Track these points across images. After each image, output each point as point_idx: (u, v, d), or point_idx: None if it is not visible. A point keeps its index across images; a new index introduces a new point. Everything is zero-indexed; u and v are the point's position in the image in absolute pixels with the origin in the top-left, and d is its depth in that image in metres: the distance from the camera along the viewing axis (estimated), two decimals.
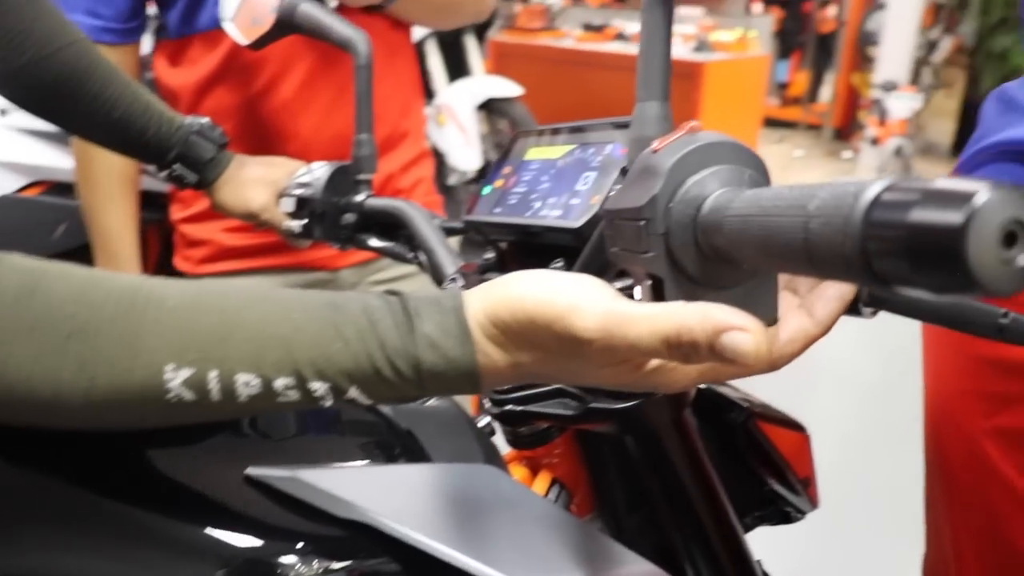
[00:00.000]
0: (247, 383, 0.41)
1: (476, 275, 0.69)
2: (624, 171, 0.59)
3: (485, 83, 4.26)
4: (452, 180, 4.40)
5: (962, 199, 0.24)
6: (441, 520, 0.47)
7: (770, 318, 0.42)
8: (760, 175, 0.41)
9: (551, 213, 0.64)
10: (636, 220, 0.41)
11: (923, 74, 6.65)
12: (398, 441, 0.56)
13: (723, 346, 0.36)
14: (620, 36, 6.39)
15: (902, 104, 5.64)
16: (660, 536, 0.65)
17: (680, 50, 5.98)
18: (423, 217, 0.77)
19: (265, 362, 0.41)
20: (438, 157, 4.45)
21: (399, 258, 0.81)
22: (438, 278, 0.73)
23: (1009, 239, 0.25)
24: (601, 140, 0.65)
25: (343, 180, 0.85)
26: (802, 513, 0.76)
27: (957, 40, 6.76)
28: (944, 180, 0.26)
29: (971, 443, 0.65)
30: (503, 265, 0.71)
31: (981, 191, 0.24)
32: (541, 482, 0.67)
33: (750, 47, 6.22)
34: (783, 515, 0.75)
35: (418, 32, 4.04)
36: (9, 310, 0.38)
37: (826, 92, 8.06)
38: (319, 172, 0.85)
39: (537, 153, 0.72)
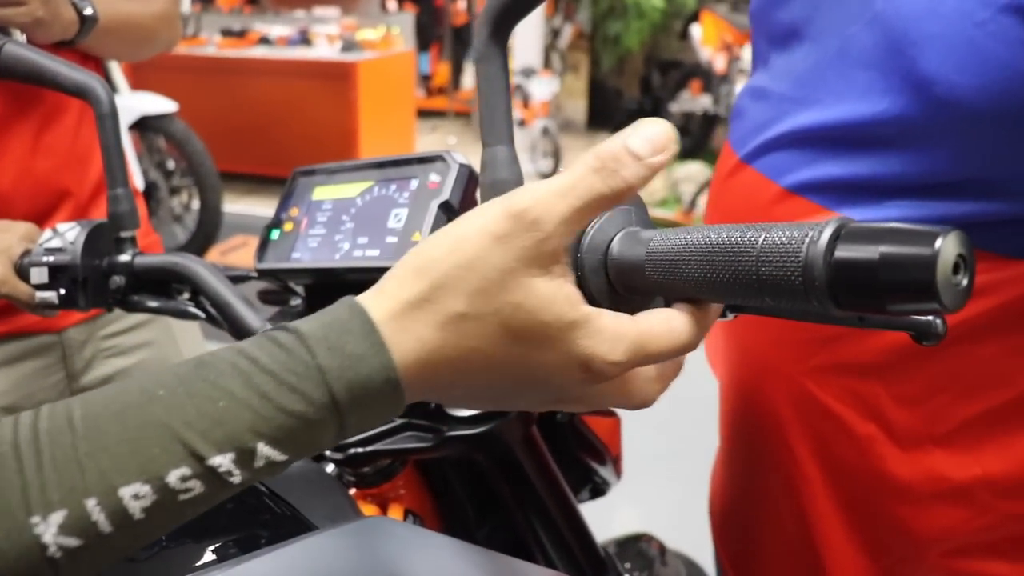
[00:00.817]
0: (136, 495, 0.34)
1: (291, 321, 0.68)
2: (445, 206, 0.62)
3: (135, 100, 3.97)
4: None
5: (929, 238, 0.31)
6: None
7: None
8: (642, 211, 0.46)
9: (368, 253, 0.65)
10: None
11: (552, 59, 7.27)
12: (278, 516, 0.54)
13: None
14: (264, 40, 6.23)
15: (542, 88, 6.11)
16: (510, 538, 0.70)
17: (328, 51, 5.98)
18: (207, 270, 0.73)
19: (147, 461, 0.34)
20: None
21: (185, 316, 0.76)
22: (242, 332, 0.69)
23: (956, 268, 0.32)
24: (400, 176, 0.66)
25: (102, 240, 0.77)
26: (609, 486, 0.84)
27: (576, 27, 7.46)
28: (897, 224, 0.33)
29: (790, 384, 0.69)
30: (311, 309, 0.70)
31: (941, 233, 0.31)
32: (394, 515, 0.68)
33: (395, 43, 6.38)
34: (597, 490, 0.83)
35: None
36: None
37: (468, 80, 8.49)
38: (71, 235, 0.77)
39: (327, 193, 0.71)
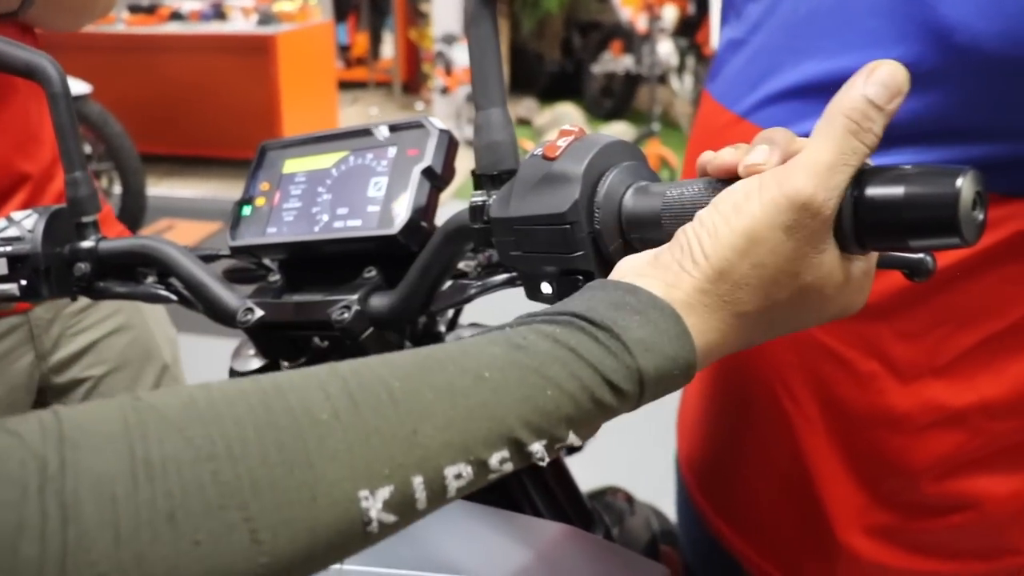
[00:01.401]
0: (458, 475, 0.34)
1: (272, 300, 0.66)
2: (428, 172, 0.61)
3: None
4: None
5: (950, 177, 0.34)
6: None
7: None
8: (643, 166, 0.47)
9: (349, 223, 0.64)
10: (559, 225, 0.45)
11: None
12: None
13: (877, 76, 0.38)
14: (176, 15, 6.03)
15: (465, 54, 6.07)
16: (501, 495, 0.71)
17: (244, 25, 5.83)
18: (178, 251, 0.72)
19: (473, 443, 0.34)
20: None
21: (157, 300, 0.74)
22: (220, 313, 0.68)
23: (974, 204, 0.34)
24: (377, 145, 0.66)
25: (62, 227, 0.75)
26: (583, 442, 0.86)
27: None
28: (916, 165, 0.34)
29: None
30: (290, 283, 0.69)
31: (960, 172, 0.34)
32: None
33: (312, 15, 6.25)
34: (573, 447, 0.84)
35: None
36: (125, 494, 0.28)
37: (387, 50, 8.37)
38: (29, 222, 0.74)
39: (299, 165, 0.70)
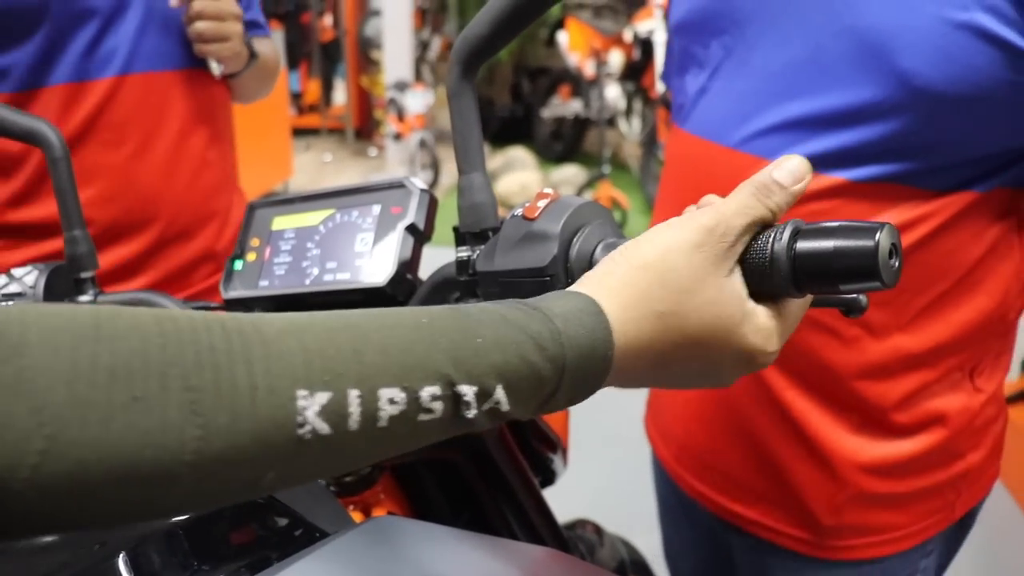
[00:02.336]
0: (392, 399, 0.36)
1: None
2: (411, 229, 0.67)
3: None
4: None
5: (870, 232, 0.41)
6: None
7: None
8: (611, 224, 0.53)
9: (339, 276, 0.69)
10: (540, 277, 0.51)
11: (424, 71, 7.32)
12: (292, 523, 0.58)
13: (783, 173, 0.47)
14: None
15: (417, 101, 6.15)
16: (485, 529, 0.75)
17: None
18: (174, 304, 0.76)
19: (409, 371, 0.37)
20: None
21: None
22: None
23: (891, 254, 0.41)
24: (361, 203, 0.71)
25: (61, 282, 0.78)
26: (557, 475, 0.91)
27: (445, 39, 7.54)
28: (842, 222, 0.41)
29: None
30: None
31: (878, 227, 0.40)
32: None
33: None
34: (547, 479, 0.89)
35: None
36: (84, 367, 0.30)
37: (339, 96, 8.43)
38: (30, 279, 0.77)
39: (287, 222, 0.74)
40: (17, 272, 0.78)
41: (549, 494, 0.82)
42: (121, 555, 0.49)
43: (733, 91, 0.87)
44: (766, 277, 0.44)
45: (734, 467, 1.00)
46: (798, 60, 0.80)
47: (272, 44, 1.44)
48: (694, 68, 0.93)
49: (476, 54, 0.57)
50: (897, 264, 0.42)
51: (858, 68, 0.75)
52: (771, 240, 0.44)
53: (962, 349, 0.86)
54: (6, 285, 0.78)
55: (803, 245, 0.43)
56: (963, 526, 1.01)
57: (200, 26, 1.18)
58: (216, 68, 1.24)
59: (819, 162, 0.79)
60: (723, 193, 0.49)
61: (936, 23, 0.71)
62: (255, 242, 0.75)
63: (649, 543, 1.45)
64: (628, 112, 6.52)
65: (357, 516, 0.70)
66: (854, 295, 0.55)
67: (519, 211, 0.54)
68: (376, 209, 0.69)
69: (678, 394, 1.08)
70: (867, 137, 0.77)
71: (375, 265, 0.67)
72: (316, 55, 8.41)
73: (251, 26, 1.35)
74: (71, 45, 1.12)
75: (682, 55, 0.97)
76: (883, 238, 0.41)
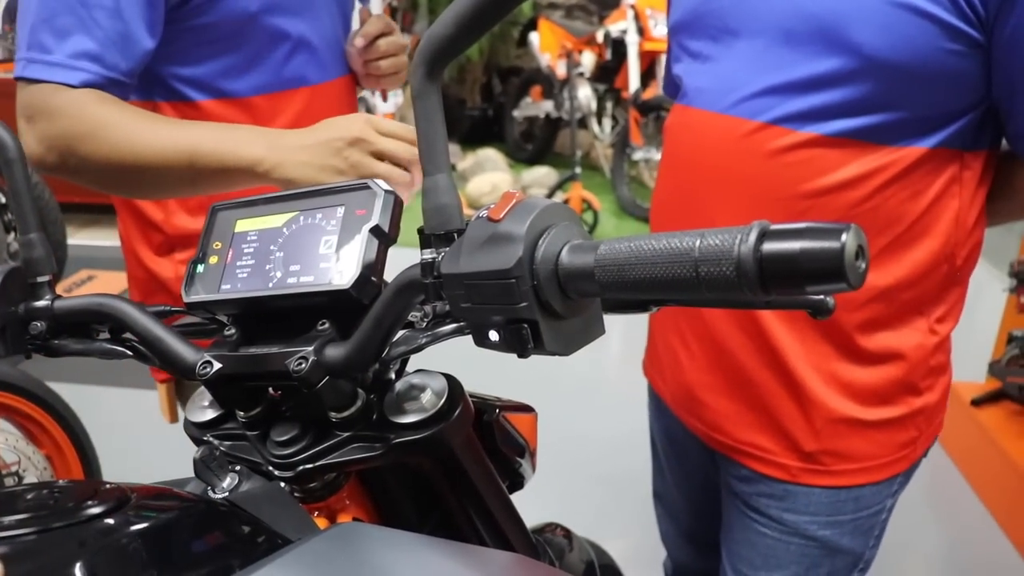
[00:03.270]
0: None
1: (229, 352, 0.69)
2: (376, 231, 0.66)
3: None
4: None
5: (836, 233, 0.41)
6: None
7: (602, 331, 0.56)
8: (577, 225, 0.53)
9: (302, 279, 0.68)
10: (505, 279, 0.50)
11: None
12: (255, 532, 0.57)
13: None
14: None
15: (389, 101, 6.13)
16: (452, 534, 0.74)
17: None
18: (133, 308, 0.74)
19: None
20: None
21: (113, 356, 0.76)
22: (178, 366, 0.71)
23: (857, 255, 0.41)
24: (325, 205, 0.69)
25: (17, 286, 0.77)
26: (525, 479, 0.90)
27: (415, 37, 7.51)
28: (808, 224, 0.41)
29: None
30: (246, 337, 0.72)
31: (844, 229, 0.41)
32: None
33: None
34: (515, 484, 0.88)
35: None
36: None
37: None
38: None
39: (250, 224, 0.73)
40: None
41: (518, 498, 0.82)
42: (80, 562, 0.48)
43: (722, 71, 1.07)
44: (730, 280, 0.44)
45: (725, 401, 1.16)
46: (774, 42, 0.99)
47: None
48: (687, 58, 1.14)
49: (441, 54, 0.56)
50: (863, 266, 0.42)
51: (820, 44, 0.95)
52: (737, 242, 0.43)
53: (913, 286, 1.05)
54: None
55: (769, 247, 0.43)
56: (909, 475, 1.20)
57: (385, 64, 1.28)
58: (381, 97, 1.39)
59: (795, 119, 0.99)
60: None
61: (880, 3, 0.89)
62: (217, 245, 0.73)
63: (620, 547, 1.45)
64: (600, 113, 6.54)
65: (322, 522, 0.69)
66: (821, 297, 0.56)
67: (484, 212, 0.53)
68: (340, 211, 0.68)
69: (674, 335, 1.23)
70: (832, 99, 0.96)
71: (339, 268, 0.66)
72: None
73: None
74: (269, 58, 1.20)
75: (679, 50, 1.17)
76: (849, 240, 0.41)
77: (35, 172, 3.49)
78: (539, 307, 0.51)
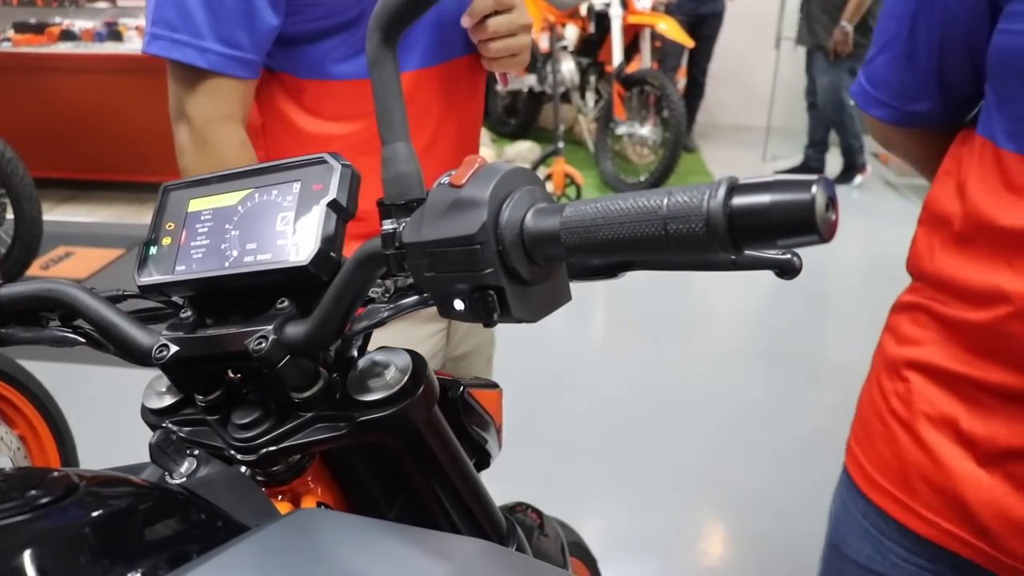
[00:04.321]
0: None
1: (186, 335, 0.67)
2: (334, 205, 0.64)
3: None
4: None
5: (806, 185, 0.40)
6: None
7: (568, 298, 0.55)
8: (541, 189, 0.52)
9: (259, 257, 0.65)
10: (470, 245, 0.49)
11: None
12: (211, 518, 0.55)
13: None
14: (68, 34, 5.85)
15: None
16: (419, 514, 0.73)
17: (140, 45, 5.69)
18: (84, 293, 0.72)
19: None
20: None
21: (65, 344, 0.74)
22: (133, 352, 0.69)
23: (827, 207, 0.41)
24: (281, 181, 0.67)
25: None
26: (492, 457, 0.89)
27: None
28: (776, 177, 0.40)
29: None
30: (201, 319, 0.69)
31: (814, 181, 0.40)
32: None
33: None
34: (482, 461, 0.87)
35: None
36: None
37: None
38: None
39: (204, 204, 0.70)
40: None
41: (486, 477, 0.81)
42: (26, 554, 0.46)
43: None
44: (700, 236, 0.43)
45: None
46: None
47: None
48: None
49: (396, 20, 0.54)
50: (834, 217, 0.41)
51: None
52: (706, 197, 0.42)
53: None
54: None
55: (739, 200, 0.42)
56: None
57: (495, 46, 1.18)
58: (502, 77, 1.25)
59: None
60: None
61: None
62: (170, 226, 0.71)
63: (592, 528, 1.45)
64: (583, 87, 6.49)
65: (285, 507, 0.68)
66: (788, 256, 0.57)
67: (445, 179, 0.52)
68: (296, 187, 0.66)
69: (942, 429, 0.93)
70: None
71: (297, 244, 0.64)
72: None
73: None
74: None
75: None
76: (819, 191, 0.40)
77: (7, 146, 3.44)
78: (505, 273, 0.50)
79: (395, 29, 0.55)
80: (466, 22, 1.18)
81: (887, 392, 0.99)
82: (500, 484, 0.97)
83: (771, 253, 0.61)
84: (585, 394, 3.22)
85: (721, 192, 0.42)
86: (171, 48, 1.07)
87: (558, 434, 2.87)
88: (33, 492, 0.51)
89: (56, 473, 0.54)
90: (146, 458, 0.67)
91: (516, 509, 1.13)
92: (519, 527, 0.85)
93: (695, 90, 7.13)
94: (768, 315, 4.11)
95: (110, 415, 2.76)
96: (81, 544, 0.48)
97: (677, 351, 3.67)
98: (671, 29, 5.92)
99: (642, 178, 5.71)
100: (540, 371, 3.29)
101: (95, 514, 0.51)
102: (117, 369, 3.02)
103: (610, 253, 0.47)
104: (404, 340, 0.97)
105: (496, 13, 1.18)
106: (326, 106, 1.19)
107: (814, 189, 0.40)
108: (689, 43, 6.20)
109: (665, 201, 0.44)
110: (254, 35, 1.08)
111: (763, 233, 0.42)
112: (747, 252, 0.45)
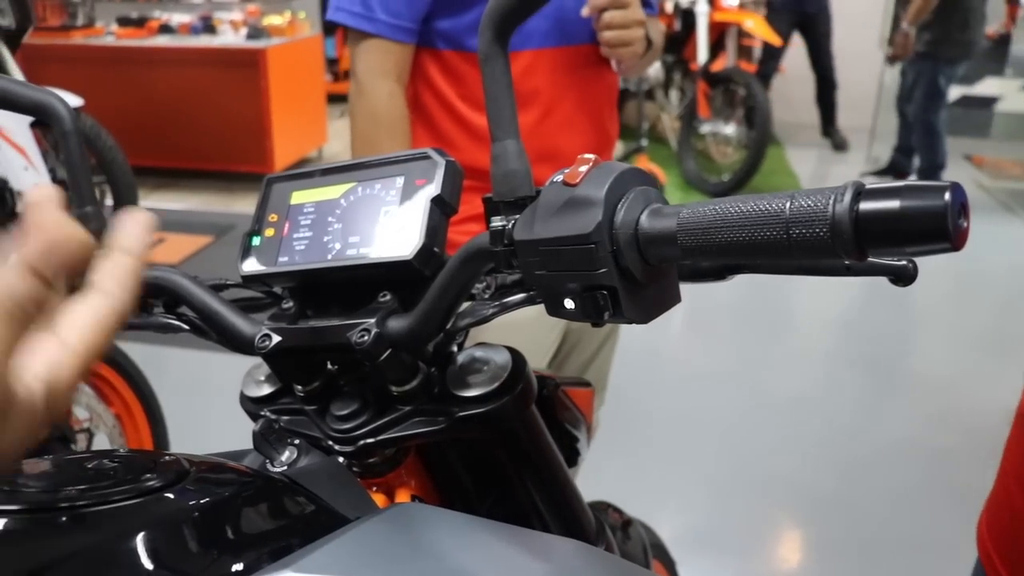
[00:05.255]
0: None
1: (288, 326, 0.68)
2: (437, 200, 0.64)
3: None
4: (20, 207, 3.91)
5: (939, 191, 0.39)
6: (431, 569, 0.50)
7: (678, 299, 0.55)
8: (655, 190, 0.51)
9: (362, 251, 0.66)
10: (583, 244, 0.49)
11: None
12: (315, 510, 0.56)
13: None
14: (165, 28, 6.04)
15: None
16: (511, 510, 0.73)
17: (234, 38, 5.84)
18: (190, 281, 0.73)
19: None
20: None
21: (169, 330, 0.76)
22: (236, 340, 0.70)
23: (959, 213, 0.39)
24: (384, 175, 0.68)
25: None
26: (582, 455, 0.88)
27: None
28: (906, 182, 0.39)
29: None
30: (302, 310, 0.70)
31: (947, 187, 0.39)
32: (402, 502, 0.70)
33: (301, 29, 6.27)
34: (570, 459, 0.87)
35: None
36: None
37: None
38: None
39: (306, 196, 0.71)
40: None
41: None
42: (140, 536, 0.47)
43: None
44: (823, 241, 0.42)
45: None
46: None
47: (660, 25, 1.58)
48: None
49: (508, 17, 0.54)
50: (965, 224, 0.40)
51: None
52: (831, 202, 0.41)
53: None
54: None
55: (866, 206, 0.41)
56: None
57: (607, 35, 1.35)
58: (616, 66, 1.45)
59: None
60: None
61: None
62: (273, 217, 0.72)
63: (671, 529, 1.43)
64: (667, 85, 6.42)
65: (380, 499, 0.68)
66: (904, 262, 0.57)
67: (559, 177, 0.52)
68: (399, 181, 0.66)
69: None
70: None
71: (400, 238, 0.64)
72: None
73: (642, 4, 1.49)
74: None
75: None
76: (951, 197, 0.39)
77: (108, 136, 3.55)
78: (618, 273, 0.49)
79: (507, 26, 0.55)
80: (585, 12, 1.35)
81: None
82: (580, 482, 0.96)
83: (888, 259, 0.59)
84: (667, 394, 3.18)
85: (848, 196, 0.41)
86: (349, 17, 1.37)
87: (640, 434, 2.85)
88: (147, 475, 0.52)
89: (168, 457, 0.56)
90: (230, 439, 0.68)
91: (599, 508, 1.12)
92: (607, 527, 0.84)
93: (826, 88, 6.99)
94: (856, 320, 4.00)
95: (197, 397, 2.85)
96: (191, 530, 0.49)
97: (763, 353, 3.60)
98: (758, 27, 5.80)
99: (725, 177, 5.62)
100: (622, 370, 3.28)
101: (205, 500, 0.52)
102: (204, 352, 3.11)
103: (727, 256, 0.46)
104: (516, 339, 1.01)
105: (614, 7, 1.35)
106: (462, 75, 1.42)
107: (947, 196, 0.39)
108: (777, 41, 6.06)
109: (788, 205, 0.43)
110: (412, 6, 1.35)
111: (891, 240, 0.40)
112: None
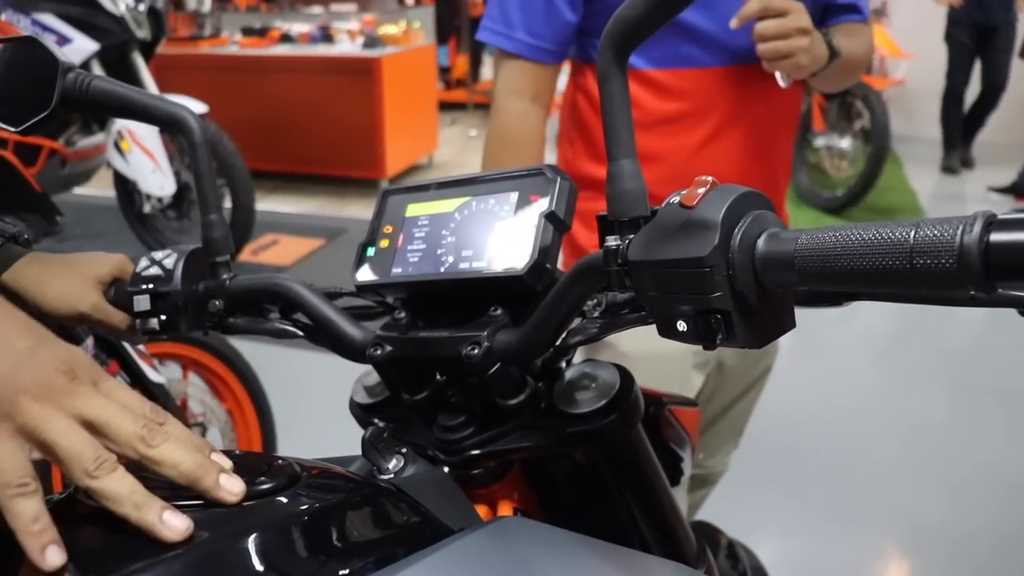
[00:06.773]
0: None
1: (400, 335, 0.69)
2: (551, 217, 0.64)
3: None
4: (147, 208, 4.12)
5: None
6: None
7: (793, 324, 0.53)
8: (773, 214, 0.50)
9: (475, 264, 0.66)
10: (699, 268, 0.48)
11: None
12: (419, 520, 0.57)
13: None
14: (286, 37, 6.27)
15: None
16: (612, 527, 0.72)
17: (350, 47, 6.01)
18: (305, 289, 0.76)
19: None
20: (126, 185, 4.13)
21: (284, 335, 0.79)
22: (348, 347, 0.72)
23: None
24: (498, 191, 0.68)
25: (198, 265, 0.80)
26: (684, 474, 0.87)
27: None
28: None
29: None
30: (414, 321, 0.71)
31: None
32: (504, 514, 0.70)
33: (416, 38, 6.40)
34: (673, 478, 0.85)
35: (81, 52, 3.70)
36: None
37: (487, 71, 8.50)
38: (168, 262, 0.79)
39: (421, 209, 0.72)
40: (157, 255, 0.81)
41: None
42: (252, 538, 0.48)
43: None
44: (950, 272, 0.40)
45: None
46: None
47: (868, 31, 1.44)
48: None
49: (629, 36, 0.53)
50: None
51: None
52: (959, 232, 0.39)
53: None
54: (148, 267, 0.80)
55: (998, 237, 0.39)
56: None
57: (760, 48, 1.24)
58: (781, 80, 1.29)
59: None
60: None
61: None
62: (388, 229, 0.73)
63: (770, 553, 1.39)
64: None
65: (483, 510, 0.69)
66: None
67: (676, 199, 0.51)
68: (513, 196, 0.67)
69: None
70: None
71: (513, 253, 0.64)
72: (466, 30, 8.49)
73: (845, 10, 1.40)
74: (661, 39, 1.29)
75: None
76: None
77: (230, 141, 3.70)
78: (733, 297, 0.48)
79: (627, 46, 0.54)
80: (734, 24, 1.25)
81: None
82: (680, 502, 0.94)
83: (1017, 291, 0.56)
84: (768, 415, 3.10)
85: (978, 227, 0.39)
86: (491, 36, 1.39)
87: (738, 454, 2.79)
88: (260, 478, 0.54)
89: (280, 461, 0.58)
90: (334, 443, 0.69)
91: (701, 529, 1.10)
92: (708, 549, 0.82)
93: (985, 105, 6.56)
94: (968, 344, 3.82)
95: (301, 398, 2.93)
96: (301, 533, 0.50)
97: (870, 375, 3.47)
98: (878, 38, 5.61)
99: (839, 192, 5.44)
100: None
101: (315, 505, 0.53)
102: (310, 353, 3.20)
103: (846, 284, 0.45)
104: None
105: (766, 17, 1.23)
106: None
107: None
108: (900, 54, 5.84)
109: (912, 234, 0.42)
110: (553, 28, 1.34)
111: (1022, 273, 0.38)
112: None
